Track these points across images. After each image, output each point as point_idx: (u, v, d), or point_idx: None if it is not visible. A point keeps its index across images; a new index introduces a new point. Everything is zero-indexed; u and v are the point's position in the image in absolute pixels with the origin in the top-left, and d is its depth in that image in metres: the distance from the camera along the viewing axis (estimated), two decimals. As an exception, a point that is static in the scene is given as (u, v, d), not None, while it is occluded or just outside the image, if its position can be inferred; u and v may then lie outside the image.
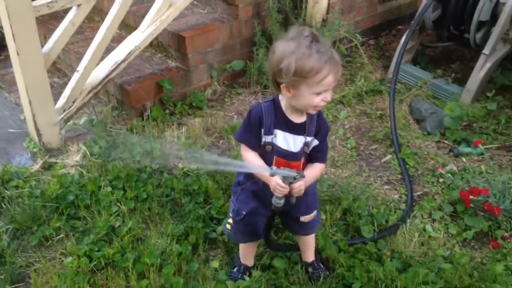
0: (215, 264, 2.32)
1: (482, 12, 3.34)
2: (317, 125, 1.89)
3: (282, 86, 1.75)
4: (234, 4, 3.62)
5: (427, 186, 2.94)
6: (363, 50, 3.94)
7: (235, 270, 2.30)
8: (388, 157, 3.16)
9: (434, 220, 2.71)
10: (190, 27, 3.57)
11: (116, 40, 3.50)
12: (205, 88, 3.68)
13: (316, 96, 1.72)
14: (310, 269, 2.32)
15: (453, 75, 3.78)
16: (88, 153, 3.03)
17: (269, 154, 1.89)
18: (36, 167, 2.98)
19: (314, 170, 1.94)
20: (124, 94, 3.38)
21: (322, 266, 2.34)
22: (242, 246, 2.29)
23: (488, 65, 3.40)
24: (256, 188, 1.99)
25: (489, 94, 3.47)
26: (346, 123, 3.43)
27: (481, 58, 3.40)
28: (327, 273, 2.31)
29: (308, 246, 2.31)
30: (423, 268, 2.33)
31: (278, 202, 1.86)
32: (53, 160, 3.03)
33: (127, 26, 3.78)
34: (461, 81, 3.68)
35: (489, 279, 2.31)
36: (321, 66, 1.65)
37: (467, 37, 3.57)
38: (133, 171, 2.86)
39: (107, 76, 3.19)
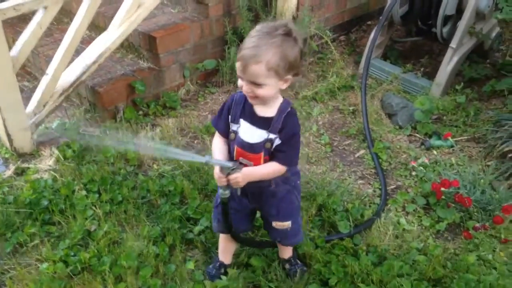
0: (190, 265, 2.32)
1: (447, 6, 3.41)
2: (283, 123, 1.85)
3: None
4: (204, 3, 3.61)
5: (400, 179, 3.00)
6: (334, 47, 3.98)
7: (211, 266, 2.32)
8: (362, 152, 3.21)
9: (408, 213, 2.76)
10: (160, 27, 3.55)
11: (86, 41, 3.46)
12: (178, 88, 3.67)
13: (239, 79, 1.77)
14: (287, 266, 2.34)
15: (422, 69, 3.85)
16: (61, 157, 3.00)
17: (232, 142, 1.92)
18: (9, 172, 2.93)
19: (265, 167, 1.90)
20: (96, 96, 3.35)
21: (299, 262, 2.36)
22: (220, 240, 2.30)
23: (455, 58, 3.48)
24: None
25: (458, 87, 3.55)
26: (319, 119, 3.46)
27: (449, 52, 3.47)
28: (304, 268, 2.34)
29: (284, 248, 2.33)
30: (398, 261, 2.38)
31: (222, 192, 1.90)
32: (25, 165, 2.99)
33: (97, 27, 3.74)
34: (431, 75, 3.75)
35: (462, 269, 2.37)
36: (240, 49, 1.73)
37: (435, 31, 3.64)
38: (108, 174, 2.84)
39: (78, 78, 3.15)
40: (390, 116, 3.47)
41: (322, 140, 3.27)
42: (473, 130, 3.27)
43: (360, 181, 2.99)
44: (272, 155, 1.90)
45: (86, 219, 2.57)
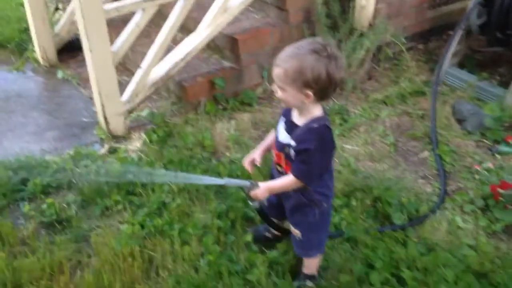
0: (248, 237, 2.56)
1: (524, 16, 3.40)
2: (301, 135, 1.94)
3: None
4: (285, 9, 3.89)
5: (462, 181, 3.04)
6: (411, 55, 4.09)
7: (261, 226, 2.60)
8: (426, 153, 3.28)
9: (465, 213, 2.80)
10: (243, 31, 3.88)
11: (178, 42, 3.87)
12: (256, 87, 3.96)
13: None
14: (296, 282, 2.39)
15: (498, 78, 3.83)
16: (148, 141, 3.39)
17: None
18: (103, 150, 3.37)
19: (282, 180, 2.05)
20: (181, 90, 3.73)
21: (307, 283, 2.36)
22: None
23: (532, 68, 3.45)
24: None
25: (533, 97, 3.50)
26: (387, 121, 3.58)
27: (525, 61, 3.45)
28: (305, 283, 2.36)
29: (304, 260, 2.37)
30: (446, 253, 2.46)
31: (251, 204, 2.18)
32: (117, 145, 3.42)
33: (188, 30, 4.15)
34: (508, 84, 3.71)
35: (510, 266, 2.40)
36: None
37: (515, 41, 3.63)
38: (185, 157, 3.17)
39: (167, 73, 3.55)
40: (460, 121, 3.50)
41: (387, 140, 3.38)
42: (545, 139, 3.22)
43: (421, 180, 3.08)
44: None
45: (163, 192, 2.91)
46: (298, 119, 1.99)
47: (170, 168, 3.08)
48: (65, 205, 2.85)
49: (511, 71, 3.91)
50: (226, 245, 2.55)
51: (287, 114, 2.05)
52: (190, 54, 3.60)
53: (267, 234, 2.57)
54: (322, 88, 1.85)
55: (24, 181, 3.00)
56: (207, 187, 2.96)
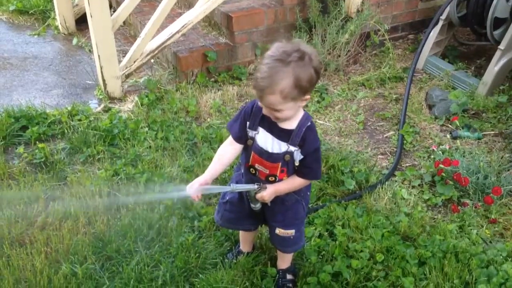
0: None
1: (497, 9, 3.54)
2: (302, 138, 1.90)
3: None
4: (281, -8, 4.15)
5: (417, 160, 3.25)
6: (400, 43, 4.27)
7: (230, 253, 2.50)
8: (391, 133, 3.50)
9: (413, 187, 3.02)
10: (239, 9, 4.16)
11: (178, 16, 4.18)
12: (249, 64, 4.24)
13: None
14: (277, 276, 2.40)
15: (473, 68, 3.98)
16: (139, 103, 3.73)
17: (249, 149, 1.98)
18: (99, 109, 3.73)
19: (289, 182, 2.00)
20: (177, 61, 4.05)
21: (290, 277, 2.39)
22: (240, 232, 2.48)
23: (504, 60, 3.59)
24: (239, 179, 2.13)
25: (503, 87, 3.65)
26: (362, 101, 3.81)
27: (497, 53, 3.60)
28: (290, 285, 2.38)
29: (282, 256, 2.39)
30: (380, 217, 2.70)
31: (254, 206, 2.09)
32: (112, 105, 3.77)
33: (190, 5, 4.46)
34: (482, 75, 3.87)
35: (437, 233, 2.62)
36: (255, 76, 1.76)
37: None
38: (168, 119, 3.50)
39: (163, 43, 3.88)
40: (430, 107, 3.70)
41: (358, 119, 3.61)
42: (504, 127, 3.38)
43: (380, 156, 3.31)
44: (296, 169, 1.98)
45: (142, 147, 3.24)
46: (287, 124, 1.90)
47: (153, 128, 3.41)
48: (55, 151, 3.21)
49: (488, 63, 4.05)
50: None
51: (262, 122, 1.92)
52: (186, 27, 3.90)
53: (240, 257, 2.47)
54: (314, 85, 1.85)
55: (23, 128, 3.38)
56: (181, 144, 3.27)
